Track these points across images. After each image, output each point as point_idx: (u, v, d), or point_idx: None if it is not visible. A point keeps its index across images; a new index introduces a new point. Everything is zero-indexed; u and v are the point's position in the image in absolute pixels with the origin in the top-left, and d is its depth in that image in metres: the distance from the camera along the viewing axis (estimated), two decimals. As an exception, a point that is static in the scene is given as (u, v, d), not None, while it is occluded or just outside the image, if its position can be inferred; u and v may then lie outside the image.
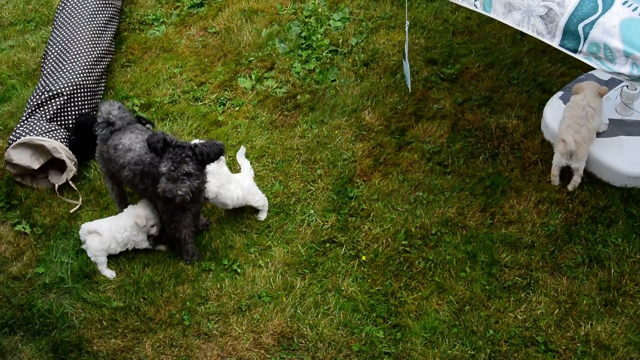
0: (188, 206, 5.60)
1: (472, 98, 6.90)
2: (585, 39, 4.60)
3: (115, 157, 5.73)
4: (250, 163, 6.48)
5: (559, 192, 6.11)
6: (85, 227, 5.90)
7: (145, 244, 6.03)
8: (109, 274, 5.94)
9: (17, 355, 5.54)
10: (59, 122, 6.56)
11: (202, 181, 5.48)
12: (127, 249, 6.00)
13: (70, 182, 6.45)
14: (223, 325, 5.61)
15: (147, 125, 6.29)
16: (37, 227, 6.28)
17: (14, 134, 6.44)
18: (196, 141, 5.70)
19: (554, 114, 6.38)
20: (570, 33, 4.65)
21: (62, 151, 6.35)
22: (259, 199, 6.16)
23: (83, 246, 5.97)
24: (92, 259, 5.94)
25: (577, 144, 5.86)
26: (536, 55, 7.23)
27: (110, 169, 5.93)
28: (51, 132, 6.41)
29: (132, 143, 5.68)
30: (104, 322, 5.66)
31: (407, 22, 6.25)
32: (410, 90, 6.55)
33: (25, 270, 6.03)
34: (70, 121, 6.63)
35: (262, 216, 6.23)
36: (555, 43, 4.77)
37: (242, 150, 6.30)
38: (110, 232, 5.86)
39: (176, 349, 5.50)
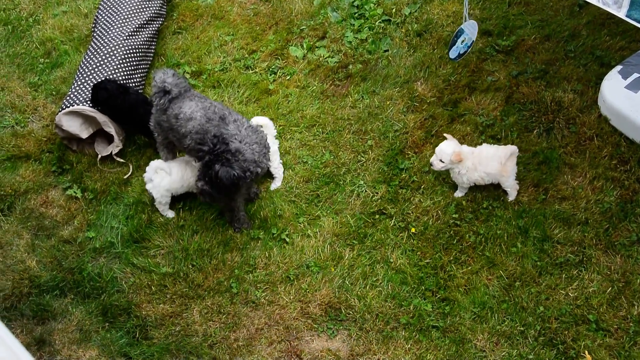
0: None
1: (527, 71, 6.76)
2: (653, 9, 4.46)
3: (177, 126, 5.73)
4: (301, 132, 6.49)
5: (614, 169, 5.98)
6: (154, 164, 5.97)
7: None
8: (171, 214, 6.08)
9: (67, 317, 5.63)
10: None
11: None
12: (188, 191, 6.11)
13: (115, 156, 6.48)
14: (271, 293, 5.62)
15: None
16: (88, 192, 6.34)
17: (67, 99, 6.46)
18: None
19: (612, 88, 6.22)
20: (637, 3, 4.49)
21: (112, 126, 6.37)
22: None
23: (148, 186, 6.02)
24: (157, 198, 6.01)
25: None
26: (594, 27, 7.04)
27: (169, 138, 5.95)
28: None
29: (193, 112, 5.67)
30: (153, 287, 5.71)
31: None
32: (452, 58, 6.42)
33: (76, 234, 6.10)
34: (122, 82, 6.60)
35: (277, 184, 6.29)
36: (621, 14, 4.62)
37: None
38: (180, 173, 5.97)
39: (224, 316, 5.54)
